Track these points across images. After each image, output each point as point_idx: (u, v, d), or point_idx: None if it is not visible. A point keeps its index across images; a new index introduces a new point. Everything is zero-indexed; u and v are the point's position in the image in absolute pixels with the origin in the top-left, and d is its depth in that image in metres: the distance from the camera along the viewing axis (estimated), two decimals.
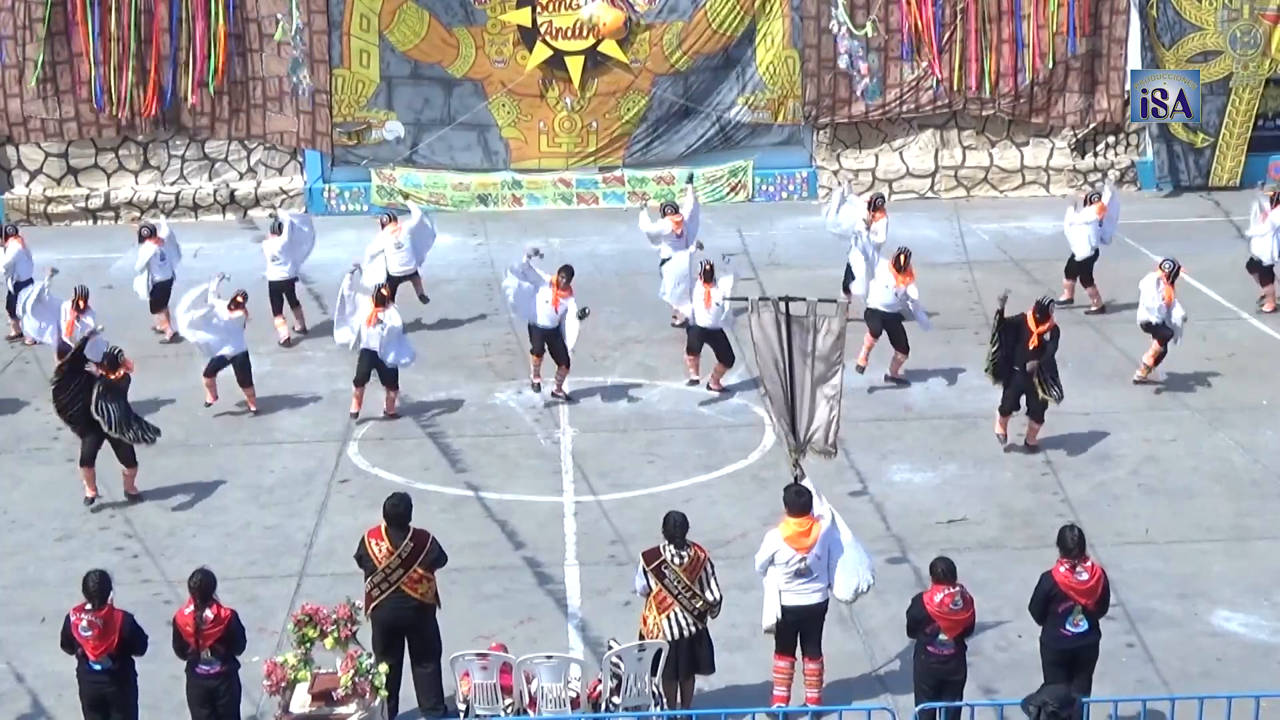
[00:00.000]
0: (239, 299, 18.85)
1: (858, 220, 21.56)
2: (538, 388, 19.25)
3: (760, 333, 13.72)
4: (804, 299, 13.66)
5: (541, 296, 18.92)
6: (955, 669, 11.47)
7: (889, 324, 19.33)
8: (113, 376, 16.16)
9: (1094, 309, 22.12)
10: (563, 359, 19.07)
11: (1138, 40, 28.94)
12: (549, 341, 18.98)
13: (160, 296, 21.65)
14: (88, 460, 16.29)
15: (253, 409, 18.94)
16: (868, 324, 19.42)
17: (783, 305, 13.57)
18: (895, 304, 19.26)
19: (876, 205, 22.12)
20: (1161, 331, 19.05)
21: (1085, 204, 22.44)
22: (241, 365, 18.79)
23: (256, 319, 19.94)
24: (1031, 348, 16.97)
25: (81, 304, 19.11)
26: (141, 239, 21.79)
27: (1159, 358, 19.20)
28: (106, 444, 16.31)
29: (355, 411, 18.68)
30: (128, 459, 16.44)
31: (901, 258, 19.35)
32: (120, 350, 16.54)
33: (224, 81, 28.63)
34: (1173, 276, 19.07)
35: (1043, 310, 17.11)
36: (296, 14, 28.13)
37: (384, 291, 18.69)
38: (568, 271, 19.07)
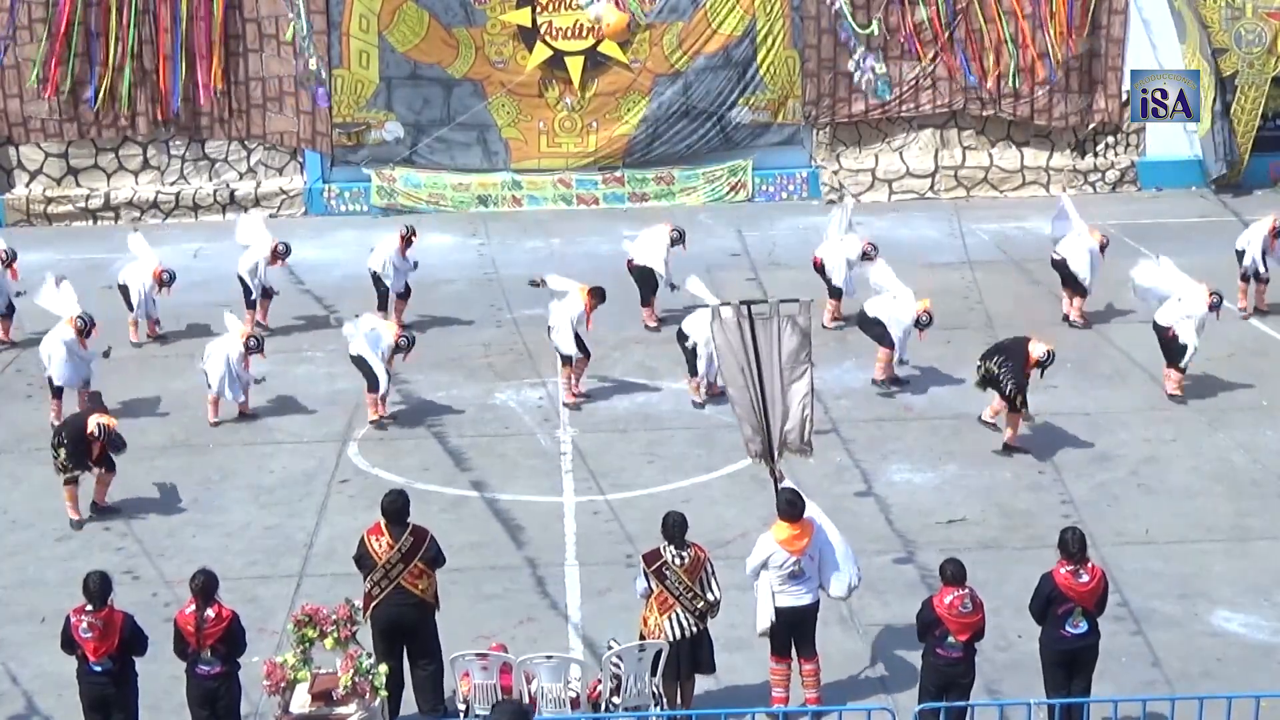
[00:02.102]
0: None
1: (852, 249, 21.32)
2: (577, 406, 19.02)
3: (723, 337, 13.69)
4: (766, 300, 13.66)
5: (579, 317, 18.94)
6: (964, 672, 11.47)
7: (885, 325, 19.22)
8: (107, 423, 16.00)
9: (1078, 319, 21.60)
10: (583, 352, 19.13)
11: (1195, 23, 28.75)
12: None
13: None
14: (71, 480, 16.02)
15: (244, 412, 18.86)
16: (870, 334, 19.20)
17: (745, 308, 13.56)
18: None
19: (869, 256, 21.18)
20: (1167, 337, 18.58)
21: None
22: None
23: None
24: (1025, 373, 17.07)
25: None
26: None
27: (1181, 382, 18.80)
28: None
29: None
30: (108, 465, 16.19)
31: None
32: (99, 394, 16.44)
33: (224, 82, 28.63)
34: (1216, 307, 18.66)
35: (1042, 368, 17.18)
36: (305, 21, 28.06)
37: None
38: (598, 293, 19.17)
